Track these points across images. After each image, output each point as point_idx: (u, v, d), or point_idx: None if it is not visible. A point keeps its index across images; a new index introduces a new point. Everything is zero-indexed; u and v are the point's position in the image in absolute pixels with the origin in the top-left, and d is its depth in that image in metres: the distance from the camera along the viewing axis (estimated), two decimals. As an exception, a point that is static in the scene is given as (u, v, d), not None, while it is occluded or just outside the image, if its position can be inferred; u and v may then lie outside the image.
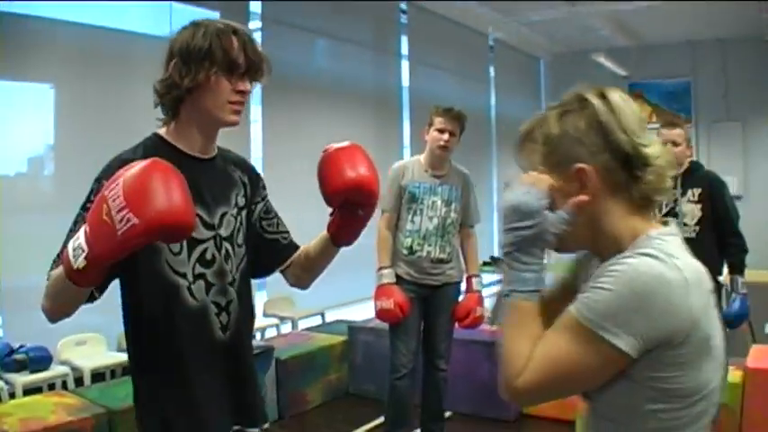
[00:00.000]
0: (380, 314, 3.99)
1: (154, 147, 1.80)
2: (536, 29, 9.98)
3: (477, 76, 10.54)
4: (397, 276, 4.02)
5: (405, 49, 8.90)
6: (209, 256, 1.81)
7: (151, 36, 5.66)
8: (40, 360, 4.38)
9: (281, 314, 6.25)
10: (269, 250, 2.05)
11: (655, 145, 1.28)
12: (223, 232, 1.86)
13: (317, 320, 6.51)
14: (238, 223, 1.91)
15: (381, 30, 8.67)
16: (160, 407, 1.80)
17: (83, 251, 1.45)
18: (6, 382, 4.22)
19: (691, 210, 3.93)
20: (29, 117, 5.10)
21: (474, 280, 4.12)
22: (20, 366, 4.31)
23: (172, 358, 1.79)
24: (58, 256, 1.66)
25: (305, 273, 2.09)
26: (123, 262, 1.59)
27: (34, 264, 4.88)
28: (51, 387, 4.43)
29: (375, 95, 8.47)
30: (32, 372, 4.34)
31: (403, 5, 8.80)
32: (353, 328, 5.67)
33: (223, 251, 1.85)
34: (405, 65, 8.89)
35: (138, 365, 1.86)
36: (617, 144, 1.26)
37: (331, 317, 6.64)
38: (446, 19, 9.30)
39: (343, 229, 1.93)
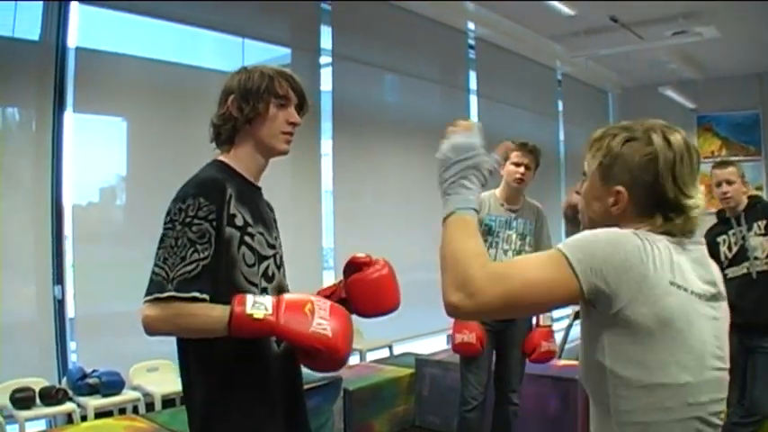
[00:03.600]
0: (460, 347, 3.94)
1: (223, 171, 1.98)
2: (604, 63, 9.90)
3: (545, 109, 10.49)
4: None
5: (473, 84, 8.92)
6: (270, 272, 1.98)
7: (223, 72, 5.76)
8: (112, 384, 4.44)
9: (349, 346, 6.22)
10: None
11: (697, 197, 1.43)
12: (279, 252, 2.06)
13: (384, 353, 6.49)
14: (281, 249, 2.10)
15: (450, 65, 8.71)
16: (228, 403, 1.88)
17: (266, 309, 1.73)
18: (79, 405, 4.29)
19: (759, 243, 3.86)
20: (101, 149, 5.24)
21: (544, 314, 4.06)
22: (92, 390, 4.38)
23: (246, 362, 1.88)
24: (155, 281, 1.75)
25: None
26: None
27: (105, 291, 5.02)
28: (122, 411, 4.48)
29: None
30: (104, 396, 4.40)
31: (471, 41, 8.85)
32: (421, 361, 5.63)
33: (282, 269, 2.06)
34: (473, 100, 8.91)
35: (202, 369, 1.89)
36: (662, 189, 1.42)
37: (399, 350, 6.60)
38: (514, 54, 9.31)
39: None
